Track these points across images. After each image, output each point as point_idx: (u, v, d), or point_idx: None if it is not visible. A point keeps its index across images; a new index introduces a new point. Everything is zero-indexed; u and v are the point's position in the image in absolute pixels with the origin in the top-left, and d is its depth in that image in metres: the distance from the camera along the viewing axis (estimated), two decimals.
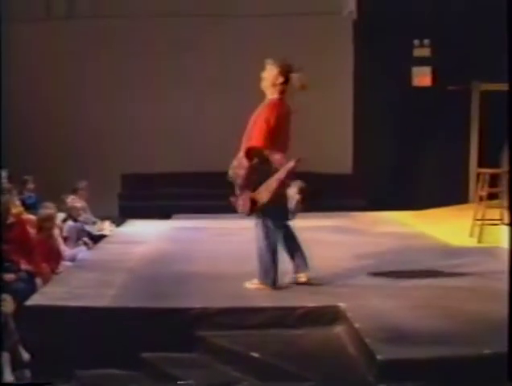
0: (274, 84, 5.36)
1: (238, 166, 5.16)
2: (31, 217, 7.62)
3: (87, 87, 11.70)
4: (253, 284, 5.46)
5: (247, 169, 5.11)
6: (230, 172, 5.24)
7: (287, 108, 5.41)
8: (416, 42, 11.69)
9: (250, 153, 5.13)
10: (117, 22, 11.64)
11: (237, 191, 5.23)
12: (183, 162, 11.54)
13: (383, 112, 11.70)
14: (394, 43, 11.39)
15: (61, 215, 8.84)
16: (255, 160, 5.13)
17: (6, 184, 9.48)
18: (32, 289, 5.84)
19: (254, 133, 5.23)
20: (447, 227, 8.59)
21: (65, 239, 8.35)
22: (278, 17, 11.60)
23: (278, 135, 5.24)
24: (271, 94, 5.40)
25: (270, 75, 5.38)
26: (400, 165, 11.65)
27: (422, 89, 11.65)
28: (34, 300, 5.16)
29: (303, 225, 8.84)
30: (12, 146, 11.20)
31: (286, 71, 5.35)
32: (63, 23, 11.82)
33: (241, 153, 5.20)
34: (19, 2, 11.62)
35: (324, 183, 11.20)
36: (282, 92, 5.37)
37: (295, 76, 5.34)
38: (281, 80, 5.35)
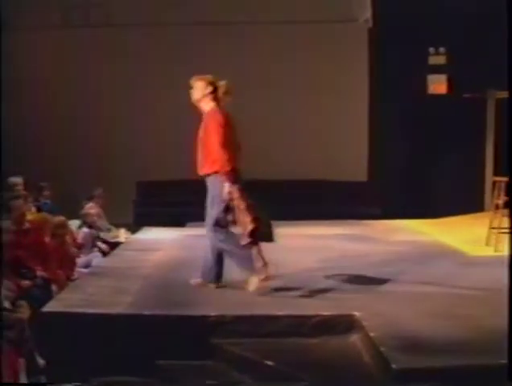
0: (204, 95, 5.65)
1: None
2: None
3: (103, 95, 11.76)
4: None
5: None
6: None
7: (226, 113, 5.67)
8: (432, 49, 11.68)
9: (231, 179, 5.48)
10: (132, 31, 11.69)
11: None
12: (197, 169, 11.54)
13: (398, 120, 11.69)
14: (409, 50, 11.37)
15: (76, 222, 8.88)
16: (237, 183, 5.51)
17: (21, 191, 9.54)
18: (48, 296, 5.85)
19: (214, 154, 5.54)
20: (463, 236, 8.54)
21: (80, 245, 8.37)
22: (294, 24, 11.63)
23: (229, 143, 5.53)
24: (206, 105, 5.69)
25: (198, 87, 5.68)
26: (415, 173, 11.62)
27: (437, 97, 11.62)
28: (50, 306, 5.18)
29: (318, 233, 8.94)
30: (28, 153, 11.32)
31: (211, 82, 5.67)
32: (78, 31, 11.88)
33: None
34: (35, 10, 11.73)
35: (339, 191, 11.25)
36: (215, 100, 5.66)
37: (219, 84, 5.67)
38: (209, 89, 5.65)
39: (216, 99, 5.65)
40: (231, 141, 5.57)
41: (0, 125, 9.53)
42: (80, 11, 11.98)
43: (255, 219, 5.41)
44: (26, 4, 11.78)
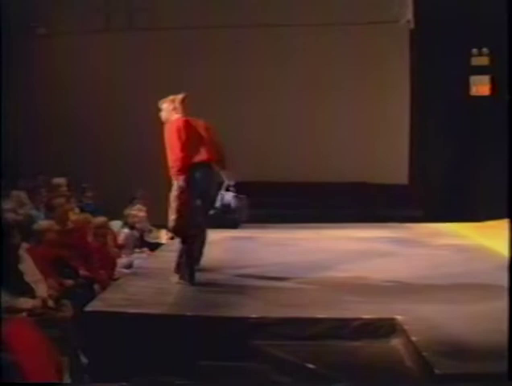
0: (169, 112, 6.34)
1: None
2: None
3: (143, 97, 11.81)
4: None
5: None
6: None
7: (186, 120, 6.26)
8: (474, 50, 11.50)
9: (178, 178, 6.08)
10: (175, 34, 11.76)
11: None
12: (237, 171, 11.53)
13: (440, 122, 11.55)
14: (451, 51, 11.23)
15: (118, 223, 8.95)
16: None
17: (65, 191, 9.70)
18: (91, 295, 5.92)
19: (170, 157, 6.16)
20: (506, 240, 8.39)
21: (121, 246, 8.45)
22: (335, 26, 11.58)
23: (188, 145, 6.10)
24: (173, 118, 6.33)
25: (164, 109, 6.40)
26: (458, 175, 11.46)
27: (480, 98, 11.45)
28: (92, 306, 5.25)
29: (360, 236, 8.88)
30: (72, 154, 11.48)
31: (172, 100, 6.38)
32: (121, 35, 12.00)
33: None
34: (80, 14, 11.90)
35: (380, 194, 11.18)
36: (178, 112, 6.31)
37: (177, 98, 6.36)
38: (172, 106, 6.36)
39: (178, 111, 6.31)
40: (188, 144, 6.09)
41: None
42: (123, 15, 12.10)
43: (177, 219, 5.98)
44: (70, 9, 11.96)
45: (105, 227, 7.68)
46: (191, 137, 6.13)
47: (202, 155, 6.16)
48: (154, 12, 11.94)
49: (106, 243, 7.66)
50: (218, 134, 6.51)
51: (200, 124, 6.34)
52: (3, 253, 5.61)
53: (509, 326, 3.79)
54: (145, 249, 8.68)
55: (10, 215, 7.33)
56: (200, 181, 6.11)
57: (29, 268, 5.82)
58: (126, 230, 8.82)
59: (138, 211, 9.20)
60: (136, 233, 8.91)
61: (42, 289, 5.71)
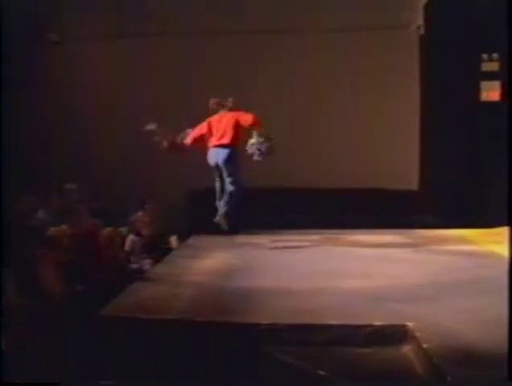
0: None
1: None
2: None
3: (154, 104, 11.86)
4: None
5: None
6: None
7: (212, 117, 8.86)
8: (485, 56, 11.49)
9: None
10: (186, 40, 11.80)
11: None
12: (248, 177, 11.56)
13: (450, 128, 11.53)
14: (461, 57, 11.23)
15: (125, 229, 8.97)
16: None
17: (76, 197, 9.74)
18: (103, 300, 5.94)
19: None
20: None
21: (129, 253, 8.46)
22: (344, 32, 11.60)
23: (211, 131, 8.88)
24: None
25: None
26: (468, 181, 11.44)
27: (491, 104, 11.43)
28: (105, 311, 5.28)
29: (370, 241, 8.89)
30: (82, 161, 11.52)
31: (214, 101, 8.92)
32: (132, 42, 12.04)
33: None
34: (90, 21, 11.96)
35: (390, 200, 11.17)
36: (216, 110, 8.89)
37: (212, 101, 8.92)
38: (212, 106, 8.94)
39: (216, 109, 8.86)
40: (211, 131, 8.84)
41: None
42: (133, 21, 12.14)
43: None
44: (81, 15, 12.04)
45: (113, 236, 7.68)
46: (214, 126, 8.79)
47: (220, 140, 8.57)
48: (166, 18, 11.97)
49: (116, 249, 7.68)
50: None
51: (227, 116, 8.74)
52: (17, 258, 5.65)
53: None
54: (153, 255, 8.69)
55: (23, 220, 7.38)
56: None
57: (42, 273, 5.85)
58: (132, 236, 8.84)
59: (141, 217, 9.23)
60: (142, 239, 8.93)
61: (55, 294, 5.74)
